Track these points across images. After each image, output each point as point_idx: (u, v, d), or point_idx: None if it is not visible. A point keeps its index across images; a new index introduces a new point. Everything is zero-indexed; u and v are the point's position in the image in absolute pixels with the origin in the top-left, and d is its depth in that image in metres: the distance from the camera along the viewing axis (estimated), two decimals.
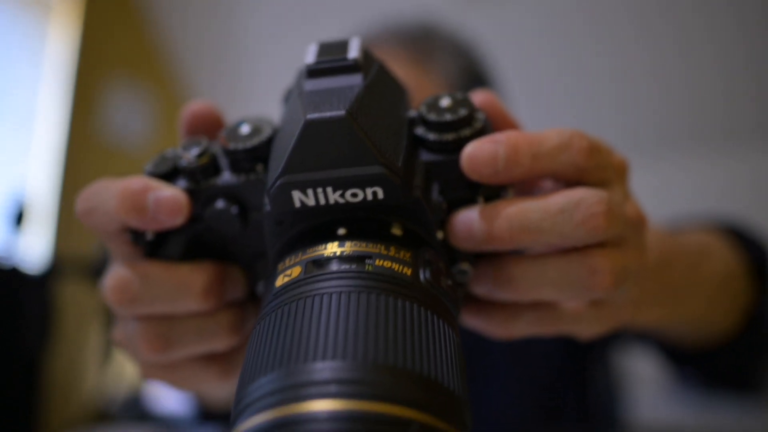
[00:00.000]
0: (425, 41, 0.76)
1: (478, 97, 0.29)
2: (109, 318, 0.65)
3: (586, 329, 0.29)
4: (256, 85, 2.56)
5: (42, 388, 0.66)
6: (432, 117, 0.24)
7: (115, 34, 2.26)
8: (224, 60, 2.53)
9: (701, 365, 0.53)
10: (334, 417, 0.16)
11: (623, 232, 0.26)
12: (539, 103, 2.16)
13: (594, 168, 0.26)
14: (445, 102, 0.24)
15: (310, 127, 0.21)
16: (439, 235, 0.24)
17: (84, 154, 2.07)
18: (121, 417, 1.99)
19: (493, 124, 0.27)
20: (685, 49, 1.93)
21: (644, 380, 2.05)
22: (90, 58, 2.11)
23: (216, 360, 0.28)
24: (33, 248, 1.83)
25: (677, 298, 0.39)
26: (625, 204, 0.27)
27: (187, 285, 0.24)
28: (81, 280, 0.65)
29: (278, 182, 0.21)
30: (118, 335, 0.28)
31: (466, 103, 0.24)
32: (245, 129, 0.25)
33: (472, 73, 0.76)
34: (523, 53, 2.09)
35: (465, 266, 0.26)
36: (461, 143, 0.23)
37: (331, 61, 0.24)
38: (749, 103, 1.95)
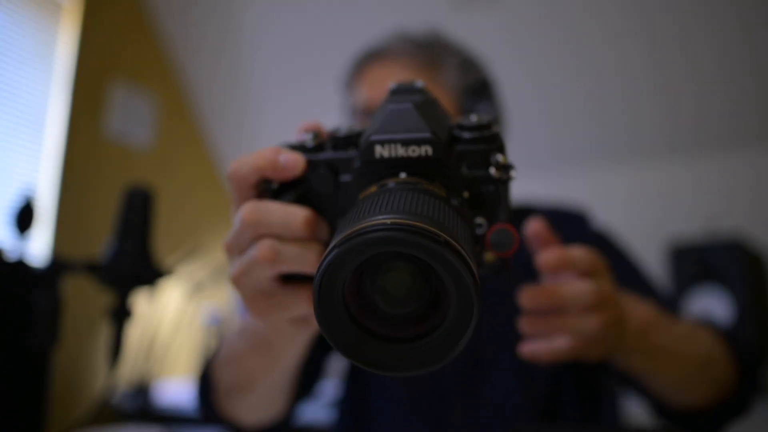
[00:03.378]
0: (435, 52, 0.82)
1: (531, 226, 0.48)
2: (116, 318, 0.66)
3: (593, 352, 0.48)
4: (260, 90, 2.57)
5: (51, 385, 0.67)
6: (465, 123, 0.36)
7: (121, 38, 2.28)
8: (229, 66, 2.55)
9: (671, 416, 0.66)
10: (394, 224, 0.27)
11: (607, 303, 0.47)
12: (528, 102, 2.18)
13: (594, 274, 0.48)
14: (473, 118, 0.36)
15: (390, 112, 0.34)
16: (465, 194, 0.36)
17: (86, 155, 2.08)
18: (129, 414, 2.00)
19: (538, 245, 0.47)
20: (667, 53, 1.95)
21: None
22: (95, 61, 2.13)
23: (304, 287, 0.38)
24: (35, 246, 1.85)
25: (657, 357, 0.55)
26: (607, 289, 0.48)
27: (294, 215, 0.36)
28: (86, 278, 0.65)
29: (368, 139, 0.34)
30: (233, 272, 0.38)
31: (487, 119, 0.36)
32: (344, 126, 0.37)
33: (476, 86, 0.82)
34: (508, 56, 2.11)
35: (481, 220, 0.36)
36: (483, 139, 0.35)
37: (404, 87, 0.37)
38: (729, 109, 1.96)
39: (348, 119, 0.89)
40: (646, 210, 2.14)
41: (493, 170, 0.34)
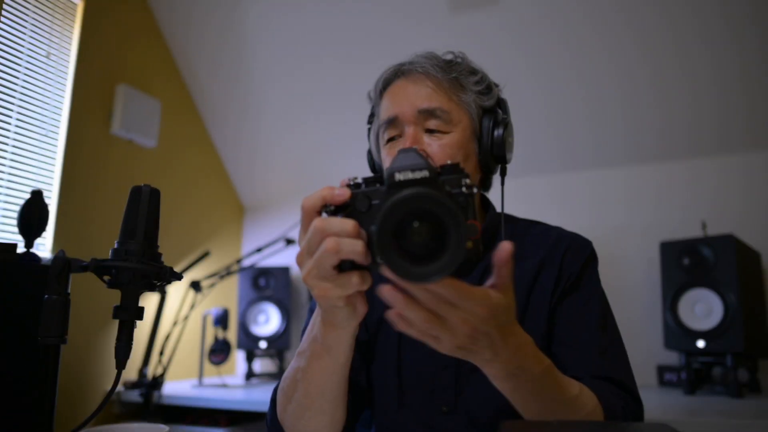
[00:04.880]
0: (459, 75, 0.88)
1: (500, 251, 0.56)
2: (123, 317, 0.68)
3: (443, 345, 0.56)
4: (260, 91, 2.59)
5: (59, 383, 0.68)
6: (445, 165, 0.55)
7: (129, 44, 2.30)
8: (230, 67, 2.57)
9: None
10: (414, 193, 0.49)
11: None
12: (529, 106, 2.20)
13: None
14: (449, 161, 0.56)
15: (403, 156, 0.56)
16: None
17: (93, 155, 2.10)
18: (134, 411, 2.02)
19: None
20: (659, 66, 1.97)
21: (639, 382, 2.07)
22: (102, 64, 2.15)
23: (353, 272, 0.55)
24: (44, 244, 1.88)
25: (524, 393, 0.63)
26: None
27: (347, 223, 0.54)
28: (94, 277, 0.67)
29: (390, 171, 0.53)
30: (306, 270, 0.56)
31: (458, 161, 0.62)
32: (371, 175, 0.58)
33: (493, 109, 0.90)
34: (508, 59, 2.13)
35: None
36: (456, 171, 0.55)
37: (408, 148, 0.59)
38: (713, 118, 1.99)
39: (373, 128, 0.95)
40: (644, 210, 2.17)
41: (464, 189, 0.54)
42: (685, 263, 1.82)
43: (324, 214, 0.57)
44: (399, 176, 0.53)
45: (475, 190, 0.54)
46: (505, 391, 0.63)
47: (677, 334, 1.77)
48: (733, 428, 1.32)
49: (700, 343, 1.71)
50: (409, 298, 0.52)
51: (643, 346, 2.04)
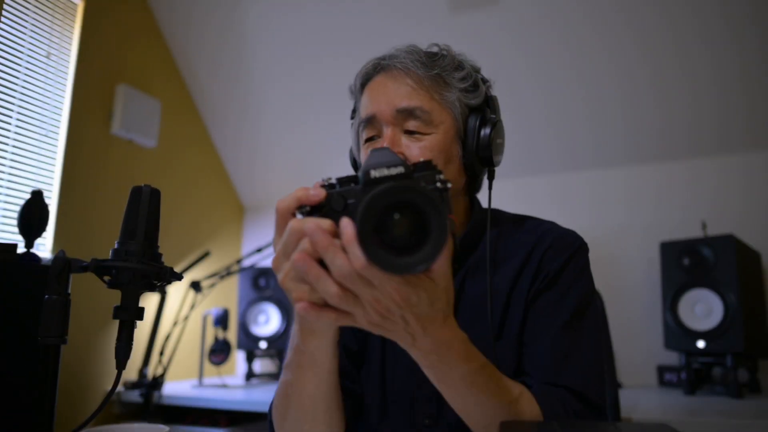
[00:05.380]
0: (442, 71, 0.82)
1: None
2: (123, 317, 0.68)
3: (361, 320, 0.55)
4: (260, 92, 2.59)
5: (59, 383, 0.68)
6: (418, 162, 0.56)
7: (129, 44, 2.30)
8: (230, 68, 2.57)
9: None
10: (393, 185, 0.48)
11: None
12: (526, 108, 2.20)
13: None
14: (422, 158, 0.57)
15: (376, 154, 0.56)
16: None
17: (93, 155, 2.10)
18: (134, 412, 2.02)
19: None
20: (657, 66, 1.97)
21: (635, 382, 2.08)
22: (102, 65, 2.15)
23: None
24: (44, 244, 1.87)
25: (450, 388, 0.62)
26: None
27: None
28: (94, 277, 0.67)
29: (365, 169, 0.53)
30: (283, 273, 0.54)
31: (430, 158, 0.59)
32: (345, 175, 0.58)
33: (479, 107, 0.84)
34: (502, 58, 2.13)
35: None
36: (430, 168, 0.55)
37: (381, 148, 0.59)
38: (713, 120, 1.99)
39: (354, 124, 0.90)
40: (644, 210, 2.17)
41: (438, 184, 0.54)
42: (685, 263, 1.82)
43: (299, 215, 0.56)
44: (374, 173, 0.53)
45: (449, 185, 0.54)
46: (432, 380, 0.62)
47: (677, 334, 1.77)
48: (733, 428, 1.32)
49: (700, 344, 1.71)
50: (323, 270, 0.51)
51: (643, 346, 2.04)
